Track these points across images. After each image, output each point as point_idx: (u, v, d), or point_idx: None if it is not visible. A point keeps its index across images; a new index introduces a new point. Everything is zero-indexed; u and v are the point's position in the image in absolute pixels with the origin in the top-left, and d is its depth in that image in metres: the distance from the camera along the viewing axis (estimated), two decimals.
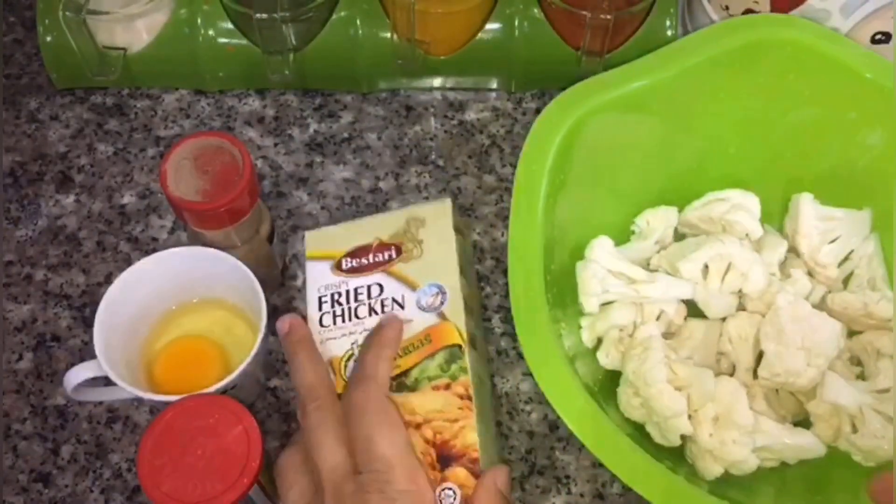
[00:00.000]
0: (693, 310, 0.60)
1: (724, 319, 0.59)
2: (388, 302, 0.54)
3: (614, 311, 0.58)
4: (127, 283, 0.56)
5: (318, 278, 0.56)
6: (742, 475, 0.54)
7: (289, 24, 0.67)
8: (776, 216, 0.63)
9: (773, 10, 0.65)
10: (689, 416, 0.53)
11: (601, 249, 0.59)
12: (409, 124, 0.73)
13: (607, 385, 0.58)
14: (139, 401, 0.60)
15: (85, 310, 0.65)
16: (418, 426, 0.49)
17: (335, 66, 0.72)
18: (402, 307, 0.54)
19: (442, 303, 0.53)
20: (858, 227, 0.61)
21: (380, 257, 0.55)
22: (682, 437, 0.54)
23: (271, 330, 0.56)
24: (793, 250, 0.62)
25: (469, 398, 0.50)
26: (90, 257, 0.67)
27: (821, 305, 0.59)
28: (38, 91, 0.75)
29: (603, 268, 0.58)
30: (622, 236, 0.63)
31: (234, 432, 0.48)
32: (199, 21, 0.70)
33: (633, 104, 0.58)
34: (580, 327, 0.59)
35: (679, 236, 0.64)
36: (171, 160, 0.55)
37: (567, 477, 0.59)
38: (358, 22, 0.70)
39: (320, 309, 0.55)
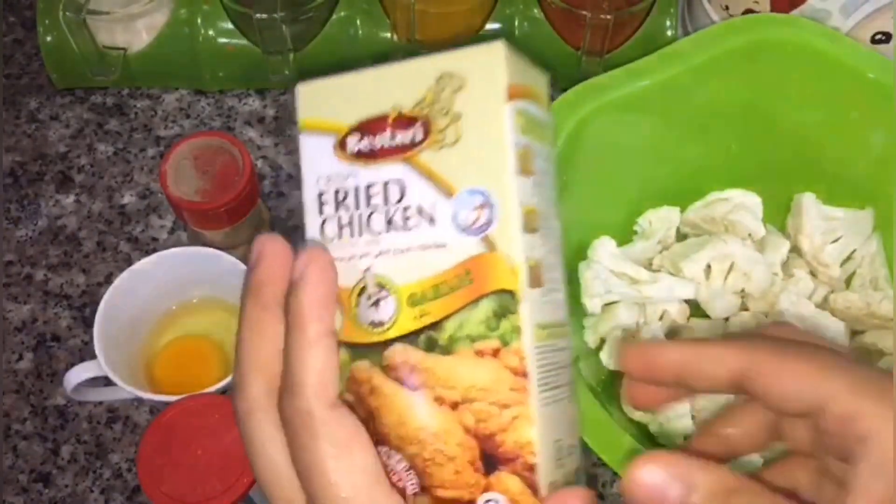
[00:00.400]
0: (696, 310, 0.60)
1: (726, 319, 0.59)
2: (412, 213, 0.36)
3: (617, 311, 0.58)
4: (127, 283, 0.56)
5: (317, 163, 0.39)
6: (746, 474, 0.53)
7: (289, 25, 0.67)
8: (778, 216, 0.63)
9: (773, 10, 0.65)
10: (693, 416, 0.53)
11: (603, 250, 0.59)
12: None
13: (610, 385, 0.57)
14: (139, 401, 0.60)
15: (85, 310, 0.65)
16: (455, 406, 0.35)
17: (335, 66, 0.72)
18: (432, 222, 0.36)
19: (488, 221, 0.35)
20: (860, 226, 0.61)
21: (399, 138, 0.37)
22: (686, 437, 0.54)
23: None
24: (795, 250, 0.61)
25: (524, 374, 0.34)
26: (90, 257, 0.67)
27: (823, 305, 0.59)
28: (39, 91, 0.74)
29: (605, 268, 0.58)
30: (624, 237, 0.63)
31: (234, 432, 0.47)
32: (198, 21, 0.70)
33: (635, 105, 0.58)
34: (583, 328, 0.59)
35: (681, 236, 0.63)
36: (171, 160, 0.55)
37: None
38: (358, 22, 0.70)
39: (321, 212, 0.38)
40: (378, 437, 0.35)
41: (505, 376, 0.35)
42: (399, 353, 0.36)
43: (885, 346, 0.56)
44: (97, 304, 0.55)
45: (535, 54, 0.77)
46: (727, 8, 0.67)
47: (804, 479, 0.34)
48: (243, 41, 0.70)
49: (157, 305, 0.59)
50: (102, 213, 0.69)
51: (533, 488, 0.34)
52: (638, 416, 0.55)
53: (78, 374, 0.54)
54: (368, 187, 0.37)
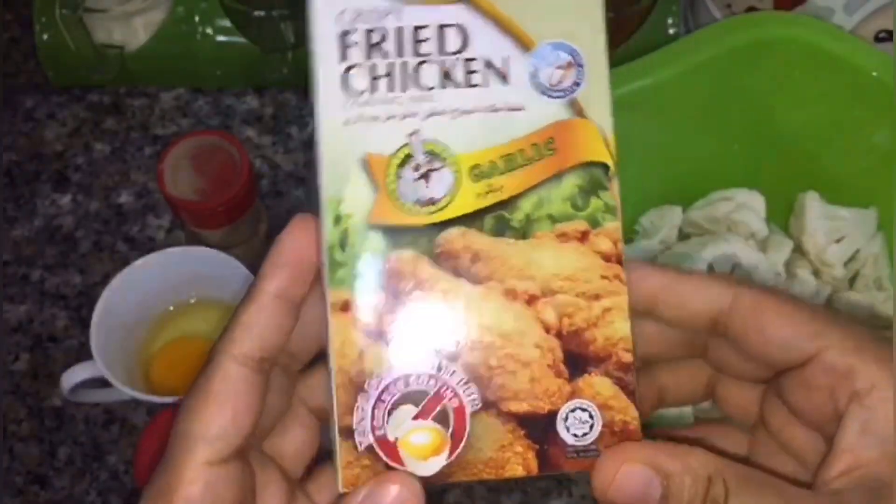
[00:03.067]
0: None
1: None
2: (479, 66, 0.30)
3: None
4: (124, 283, 0.56)
5: None
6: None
7: (287, 22, 0.67)
8: (781, 215, 0.63)
9: (775, 7, 0.64)
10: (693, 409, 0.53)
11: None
12: None
13: None
14: (136, 402, 0.60)
15: (82, 310, 0.64)
16: (532, 300, 0.30)
17: None
18: (503, 79, 0.30)
19: (577, 82, 0.31)
20: (864, 225, 0.60)
21: None
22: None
23: None
24: (798, 250, 0.61)
25: (619, 261, 0.31)
26: (87, 257, 0.67)
27: (827, 305, 0.58)
28: (35, 89, 0.74)
29: None
30: (626, 236, 0.62)
31: None
32: (196, 18, 0.69)
33: (636, 103, 0.58)
34: None
35: (683, 236, 0.63)
36: (168, 159, 0.55)
37: (568, 479, 0.59)
38: None
39: (344, 57, 0.30)
40: (424, 346, 0.30)
41: (594, 263, 0.30)
42: (458, 238, 0.30)
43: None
44: (94, 304, 0.54)
45: None
46: (730, 6, 0.67)
47: (722, 445, 0.33)
48: (241, 39, 0.70)
49: (155, 306, 0.58)
50: (99, 213, 0.68)
51: (628, 391, 0.30)
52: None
53: (75, 376, 0.54)
54: (417, 30, 0.30)
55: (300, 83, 0.74)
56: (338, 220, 0.29)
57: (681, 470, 0.28)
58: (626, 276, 0.30)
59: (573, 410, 0.30)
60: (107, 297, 0.55)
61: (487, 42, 0.30)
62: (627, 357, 0.30)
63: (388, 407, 0.29)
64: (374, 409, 0.29)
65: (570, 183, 0.30)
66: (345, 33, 0.30)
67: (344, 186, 0.29)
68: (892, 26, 0.62)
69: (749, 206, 0.61)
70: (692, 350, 0.33)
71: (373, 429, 0.29)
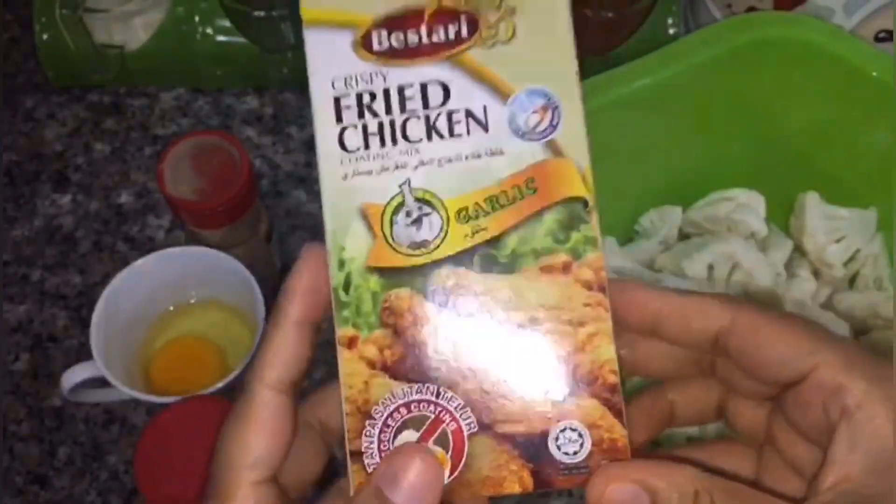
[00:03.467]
0: None
1: None
2: (460, 117, 0.33)
3: None
4: (124, 283, 0.56)
5: (331, 63, 0.34)
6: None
7: (287, 22, 0.67)
8: (781, 215, 0.63)
9: (775, 7, 0.64)
10: None
11: (605, 249, 0.58)
12: None
13: None
14: (136, 402, 0.60)
15: (82, 310, 0.64)
16: (520, 329, 0.33)
17: None
18: (483, 127, 0.33)
19: (553, 124, 0.33)
20: (864, 226, 0.60)
21: (440, 35, 0.33)
22: (689, 439, 0.54)
23: None
24: (798, 250, 0.61)
25: (602, 289, 0.33)
26: (87, 257, 0.67)
27: (827, 305, 0.58)
28: (35, 89, 0.74)
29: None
30: (626, 236, 0.62)
31: None
32: (196, 19, 0.69)
33: (636, 103, 0.58)
34: None
35: (683, 236, 0.63)
36: (168, 159, 0.55)
37: None
38: None
39: (339, 120, 0.33)
40: (423, 375, 0.32)
41: (577, 292, 0.33)
42: (449, 276, 0.33)
43: (890, 346, 0.56)
44: (94, 304, 0.54)
45: None
46: (730, 6, 0.67)
47: (729, 465, 0.34)
48: (241, 39, 0.70)
49: (155, 306, 0.58)
50: (99, 213, 0.68)
51: (615, 410, 0.32)
52: None
53: (75, 375, 0.54)
54: (402, 90, 0.33)
55: (300, 83, 0.73)
56: (341, 264, 0.32)
57: (667, 487, 0.29)
58: (608, 303, 0.32)
59: (563, 430, 0.32)
60: (107, 297, 0.55)
61: (467, 94, 0.33)
62: (613, 378, 0.32)
63: (393, 432, 0.32)
64: (380, 433, 0.32)
65: (552, 219, 0.33)
66: (338, 98, 0.33)
67: (345, 234, 0.32)
68: (892, 26, 0.62)
69: (750, 205, 0.61)
70: (701, 368, 0.34)
71: (380, 451, 0.32)
